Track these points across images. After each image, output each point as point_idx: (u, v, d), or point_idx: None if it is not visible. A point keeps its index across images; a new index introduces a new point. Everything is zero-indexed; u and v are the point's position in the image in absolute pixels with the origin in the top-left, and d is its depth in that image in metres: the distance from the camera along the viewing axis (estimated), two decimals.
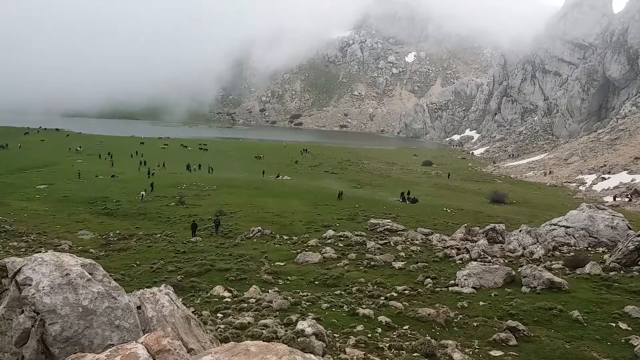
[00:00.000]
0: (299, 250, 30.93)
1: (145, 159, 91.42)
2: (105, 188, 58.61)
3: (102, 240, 36.22)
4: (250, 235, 36.55)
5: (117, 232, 38.68)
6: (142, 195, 53.15)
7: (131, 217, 45.00)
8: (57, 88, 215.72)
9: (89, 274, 6.99)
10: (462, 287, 22.64)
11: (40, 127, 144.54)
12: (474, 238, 33.93)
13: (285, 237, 35.86)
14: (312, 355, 5.20)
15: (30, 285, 6.51)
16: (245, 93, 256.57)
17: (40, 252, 30.10)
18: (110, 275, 22.62)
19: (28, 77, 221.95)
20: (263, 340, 13.60)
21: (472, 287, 22.37)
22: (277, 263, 28.33)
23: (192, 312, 18.63)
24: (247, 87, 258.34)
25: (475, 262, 25.56)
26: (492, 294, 21.23)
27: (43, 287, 6.49)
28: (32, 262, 6.80)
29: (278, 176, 78.35)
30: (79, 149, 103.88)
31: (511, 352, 14.97)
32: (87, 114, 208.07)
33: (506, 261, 27.27)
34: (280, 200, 53.52)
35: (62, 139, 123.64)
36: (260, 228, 37.54)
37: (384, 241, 33.06)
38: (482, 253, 28.14)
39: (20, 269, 6.72)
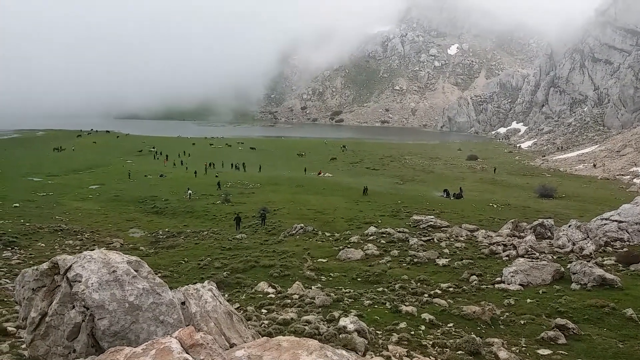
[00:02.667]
0: (341, 247, 31.00)
1: (191, 159, 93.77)
2: (154, 187, 60.45)
3: (151, 238, 37.37)
4: (293, 232, 36.88)
5: (166, 230, 39.82)
6: (190, 193, 54.51)
7: (179, 215, 46.24)
8: (113, 92, 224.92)
9: (135, 270, 7.25)
10: (508, 284, 22.15)
11: (92, 129, 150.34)
12: (521, 234, 33.07)
13: (327, 234, 36.01)
14: (344, 351, 5.22)
15: (80, 281, 6.81)
16: (287, 92, 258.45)
17: (93, 249, 31.41)
18: (159, 272, 23.44)
19: (86, 83, 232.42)
20: (305, 337, 13.75)
21: (519, 284, 21.85)
22: (319, 260, 28.50)
23: (238, 307, 19.02)
24: (289, 85, 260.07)
25: (522, 259, 24.94)
26: (540, 291, 20.68)
27: (92, 283, 6.78)
28: (81, 259, 7.12)
29: (320, 173, 78.62)
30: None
31: (560, 351, 14.53)
32: (140, 116, 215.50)
33: (555, 257, 26.48)
34: (322, 197, 53.75)
35: (113, 141, 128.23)
36: (302, 225, 37.83)
37: (427, 238, 32.67)
38: (529, 249, 27.43)
39: (70, 266, 7.05)
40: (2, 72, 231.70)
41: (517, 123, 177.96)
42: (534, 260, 24.82)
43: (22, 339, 10.80)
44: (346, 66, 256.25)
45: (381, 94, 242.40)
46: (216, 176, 72.01)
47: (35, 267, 7.48)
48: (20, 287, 7.49)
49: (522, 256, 26.50)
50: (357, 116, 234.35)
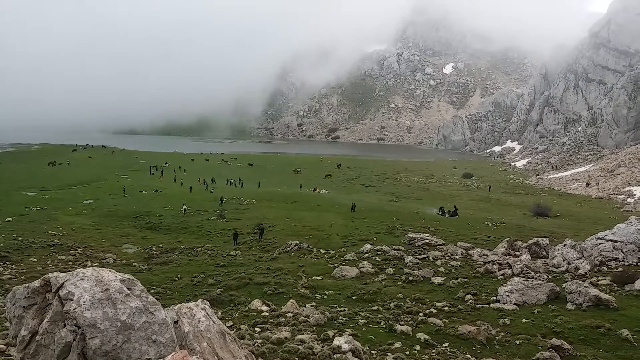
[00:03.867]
0: (336, 265, 30.87)
1: (187, 174, 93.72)
2: (148, 202, 60.17)
3: (145, 254, 37.13)
4: (288, 249, 36.72)
5: (160, 245, 39.59)
6: (185, 209, 54.31)
7: (173, 231, 46.00)
8: (112, 107, 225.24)
9: (128, 289, 7.18)
10: (504, 303, 22.08)
11: (87, 144, 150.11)
12: (517, 253, 33.03)
13: (322, 251, 35.87)
14: None
15: (72, 300, 6.73)
16: (284, 108, 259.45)
17: (86, 264, 31.20)
18: (152, 289, 23.28)
19: (85, 98, 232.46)
20: (298, 357, 13.58)
21: (515, 304, 21.79)
22: (314, 277, 28.35)
23: (231, 325, 18.84)
24: (286, 102, 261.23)
25: (517, 278, 24.90)
26: (536, 311, 20.62)
27: (84, 301, 6.70)
28: (74, 277, 7.04)
29: (315, 190, 78.57)
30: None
31: None
32: (139, 132, 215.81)
33: (550, 277, 26.45)
34: (318, 213, 53.62)
35: (109, 156, 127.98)
36: (297, 242, 37.69)
37: (423, 256, 32.59)
38: (524, 268, 27.39)
39: (63, 284, 6.97)
40: (1, 87, 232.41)
41: (511, 142, 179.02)
42: (529, 279, 24.78)
43: (12, 357, 10.62)
44: (343, 84, 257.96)
45: (377, 111, 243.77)
46: (211, 192, 71.82)
47: (27, 285, 7.39)
48: (11, 305, 7.38)
49: (518, 275, 26.46)
50: (353, 133, 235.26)
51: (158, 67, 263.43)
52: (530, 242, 34.15)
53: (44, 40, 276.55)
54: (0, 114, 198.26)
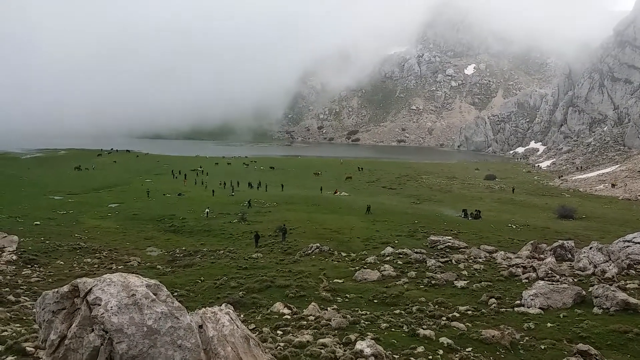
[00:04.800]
0: (357, 268, 30.79)
1: (209, 178, 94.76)
2: (172, 206, 60.94)
3: (168, 257, 37.57)
4: (309, 251, 36.77)
5: (183, 248, 40.03)
6: (207, 212, 54.85)
7: (196, 234, 46.51)
8: (137, 113, 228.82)
9: (154, 294, 7.30)
10: (528, 307, 21.76)
11: (112, 148, 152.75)
12: (541, 256, 32.50)
13: (343, 254, 35.83)
14: None
15: (99, 305, 6.88)
16: (304, 111, 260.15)
17: (111, 267, 31.74)
18: (176, 291, 23.58)
19: (111, 105, 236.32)
20: None
21: (539, 308, 21.45)
22: (335, 280, 28.34)
23: (253, 328, 18.96)
24: (306, 105, 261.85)
25: (542, 281, 24.50)
26: (561, 315, 20.27)
27: (111, 307, 6.84)
28: (101, 282, 7.20)
29: (336, 192, 78.56)
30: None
31: None
32: (163, 136, 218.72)
33: (576, 280, 25.95)
34: (338, 216, 53.61)
35: (133, 160, 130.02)
36: (318, 245, 37.71)
37: (445, 259, 32.30)
38: (549, 272, 26.93)
39: (90, 289, 7.13)
40: (30, 93, 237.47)
41: (535, 142, 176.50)
42: (554, 283, 24.37)
43: None
44: (363, 86, 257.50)
45: (397, 113, 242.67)
46: (232, 195, 72.38)
47: (56, 290, 7.58)
48: (40, 309, 7.58)
49: (542, 279, 26.03)
50: (374, 135, 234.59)
51: (183, 73, 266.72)
52: (555, 244, 33.55)
53: (71, 48, 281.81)
54: (29, 120, 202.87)
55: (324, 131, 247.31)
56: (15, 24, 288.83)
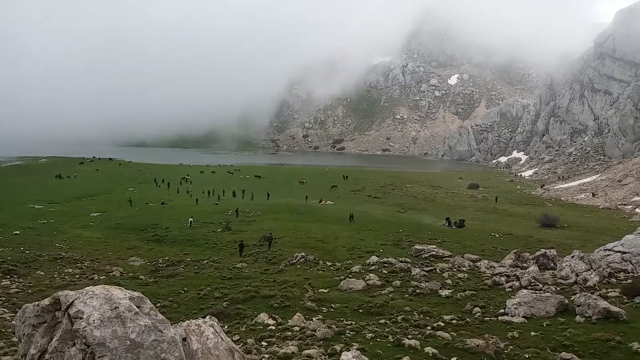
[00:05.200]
0: (342, 277, 30.75)
1: (193, 187, 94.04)
2: (155, 215, 60.32)
3: (151, 267, 37.15)
4: (294, 261, 36.65)
5: (166, 258, 39.63)
6: (191, 221, 54.40)
7: (180, 244, 46.07)
8: (121, 121, 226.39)
9: (137, 307, 7.19)
10: (512, 316, 21.92)
11: (94, 157, 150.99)
12: (524, 264, 32.84)
13: (328, 263, 35.76)
14: None
15: (81, 318, 6.75)
16: (290, 120, 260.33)
17: (93, 278, 31.23)
18: (159, 302, 23.28)
19: (94, 113, 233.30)
20: None
21: (523, 317, 21.63)
22: (320, 290, 28.25)
23: (237, 339, 18.78)
24: (291, 114, 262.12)
25: (525, 290, 24.71)
26: (544, 324, 20.45)
27: (93, 320, 6.72)
28: (83, 295, 7.07)
29: (321, 201, 78.52)
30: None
31: None
32: (147, 144, 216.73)
33: (558, 289, 26.23)
34: (324, 225, 53.54)
35: (115, 168, 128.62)
36: (304, 254, 37.60)
37: (430, 268, 32.43)
38: (532, 280, 27.20)
39: (72, 302, 6.99)
40: (11, 99, 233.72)
41: (517, 152, 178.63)
42: (537, 291, 24.59)
43: None
44: (348, 95, 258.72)
45: (382, 122, 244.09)
46: (216, 204, 71.91)
47: (37, 303, 7.42)
48: (20, 323, 7.41)
49: (526, 287, 26.27)
50: (359, 144, 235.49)
51: (168, 80, 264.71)
52: (538, 253, 33.93)
53: (55, 54, 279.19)
54: (9, 127, 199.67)
55: (309, 140, 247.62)
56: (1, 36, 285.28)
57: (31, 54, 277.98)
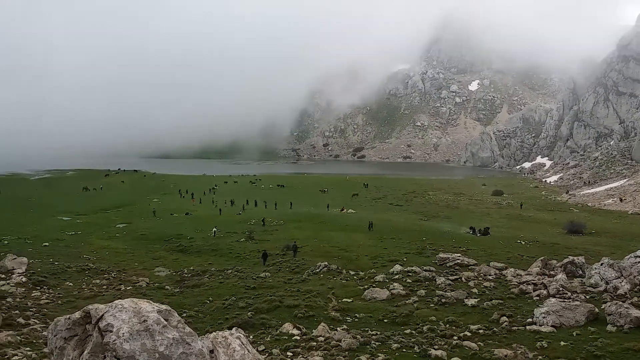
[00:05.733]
0: (366, 286, 30.58)
1: (216, 197, 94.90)
2: (179, 225, 60.99)
3: (177, 277, 37.50)
4: (317, 270, 36.60)
5: (191, 268, 39.96)
6: (215, 231, 54.84)
7: (204, 254, 46.44)
8: (147, 133, 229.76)
9: (165, 320, 7.27)
10: (540, 325, 21.49)
11: (119, 168, 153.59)
12: (552, 272, 32.18)
13: (351, 273, 35.62)
14: None
15: (111, 331, 6.86)
16: (310, 129, 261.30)
17: (120, 288, 31.68)
18: (185, 312, 23.51)
19: (121, 126, 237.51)
20: None
21: (552, 326, 21.18)
22: (344, 299, 28.14)
23: (263, 350, 18.82)
24: (312, 123, 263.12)
25: (553, 299, 24.22)
26: (574, 333, 20.00)
27: (123, 333, 6.81)
28: (113, 308, 7.18)
29: (342, 210, 78.38)
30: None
31: None
32: (172, 155, 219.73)
33: (587, 297, 25.63)
34: (346, 233, 53.43)
35: (140, 180, 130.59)
36: (326, 263, 37.54)
37: (455, 277, 32.03)
38: (560, 289, 26.65)
39: (102, 315, 7.11)
40: (40, 115, 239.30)
41: (541, 157, 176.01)
42: (566, 300, 24.08)
43: None
44: (368, 103, 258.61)
45: (403, 130, 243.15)
46: (239, 214, 72.40)
47: (68, 316, 7.57)
48: (52, 336, 7.56)
49: (554, 296, 25.74)
50: (379, 152, 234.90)
51: (192, 93, 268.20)
52: (566, 261, 33.22)
53: (82, 69, 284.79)
54: (38, 141, 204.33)
55: (329, 148, 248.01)
56: (28, 46, 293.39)
57: (57, 68, 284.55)
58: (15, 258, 34.64)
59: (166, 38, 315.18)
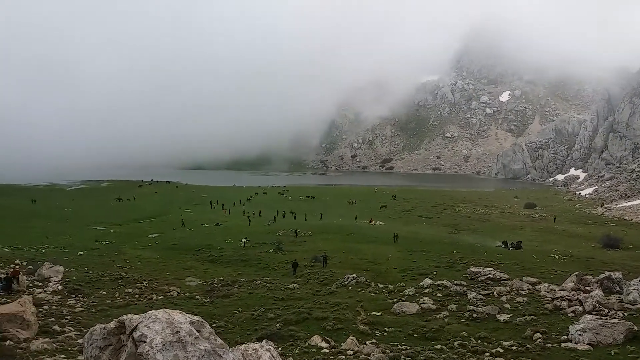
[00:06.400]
0: (395, 300, 30.28)
1: (245, 208, 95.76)
2: (210, 236, 61.70)
3: (207, 287, 37.85)
4: (345, 282, 36.42)
5: (221, 278, 40.30)
6: (244, 242, 55.28)
7: (233, 264, 46.80)
8: (180, 145, 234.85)
9: (197, 331, 7.37)
10: (576, 343, 20.87)
11: (152, 179, 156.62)
12: (587, 288, 31.24)
13: (380, 286, 35.33)
14: None
15: (145, 342, 6.98)
16: (338, 140, 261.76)
17: (152, 298, 32.15)
18: (214, 322, 23.70)
19: (155, 137, 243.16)
20: None
21: (588, 344, 20.55)
22: (373, 313, 27.92)
23: None
24: (339, 135, 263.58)
25: (589, 316, 23.50)
26: (612, 352, 19.35)
27: (156, 344, 6.93)
28: (146, 319, 7.32)
29: (371, 221, 77.98)
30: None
31: None
32: (204, 167, 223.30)
33: (626, 314, 24.78)
34: (374, 246, 53.09)
35: (173, 191, 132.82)
36: (355, 275, 37.34)
37: (487, 291, 31.41)
38: (597, 305, 25.85)
39: (136, 326, 7.25)
40: (78, 128, 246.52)
41: (575, 170, 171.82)
42: (602, 317, 23.35)
43: None
44: (396, 115, 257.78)
45: (432, 141, 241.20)
46: (267, 224, 72.83)
47: (103, 326, 7.74)
48: (88, 345, 7.74)
49: (590, 312, 24.99)
50: (408, 163, 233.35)
51: (225, 106, 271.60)
52: (602, 276, 32.24)
53: (118, 84, 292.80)
54: (78, 153, 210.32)
55: (357, 160, 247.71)
56: (67, 63, 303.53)
57: (94, 81, 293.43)
58: (51, 266, 35.55)
59: (199, 56, 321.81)
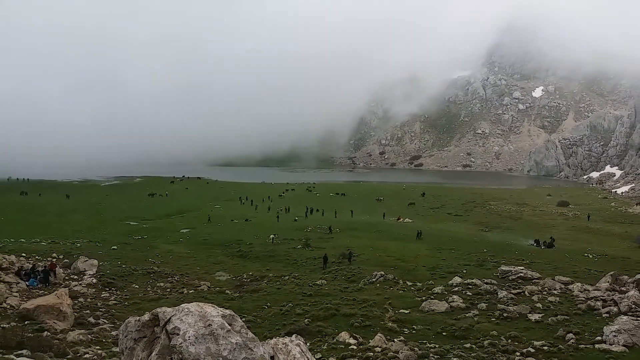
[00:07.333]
0: (423, 298, 30.11)
1: (273, 204, 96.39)
2: (239, 231, 62.40)
3: (236, 282, 38.36)
4: (373, 279, 36.39)
5: (250, 273, 40.77)
6: (273, 237, 55.74)
7: (262, 259, 47.27)
8: (212, 141, 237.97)
9: (229, 324, 7.50)
10: (610, 344, 20.39)
11: (184, 176, 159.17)
12: (622, 288, 30.45)
13: (408, 283, 35.17)
14: None
15: (178, 334, 7.15)
16: (366, 137, 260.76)
17: (182, 292, 32.74)
18: (244, 317, 23.98)
19: (188, 133, 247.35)
20: None
21: (624, 345, 20.04)
22: (401, 310, 27.83)
23: (319, 358, 18.90)
24: (368, 131, 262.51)
25: (625, 317, 22.94)
26: None
27: (189, 336, 7.10)
28: (179, 312, 7.49)
29: (399, 219, 77.50)
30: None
31: None
32: (234, 163, 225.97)
33: None
34: (402, 243, 52.79)
35: (203, 187, 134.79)
36: (382, 273, 37.28)
37: (518, 290, 30.95)
38: (633, 306, 25.20)
39: (170, 318, 7.44)
40: (114, 125, 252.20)
41: (611, 167, 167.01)
42: (639, 318, 22.73)
43: None
44: (425, 111, 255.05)
45: (462, 137, 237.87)
46: (295, 220, 73.18)
47: (138, 318, 7.96)
48: (123, 337, 7.97)
49: (625, 313, 24.38)
50: (437, 160, 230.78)
51: (255, 103, 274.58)
52: (638, 276, 31.35)
53: (152, 82, 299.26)
54: (114, 149, 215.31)
55: (385, 156, 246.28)
56: (106, 64, 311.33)
57: (130, 80, 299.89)
58: (86, 260, 36.59)
59: (231, 55, 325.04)
